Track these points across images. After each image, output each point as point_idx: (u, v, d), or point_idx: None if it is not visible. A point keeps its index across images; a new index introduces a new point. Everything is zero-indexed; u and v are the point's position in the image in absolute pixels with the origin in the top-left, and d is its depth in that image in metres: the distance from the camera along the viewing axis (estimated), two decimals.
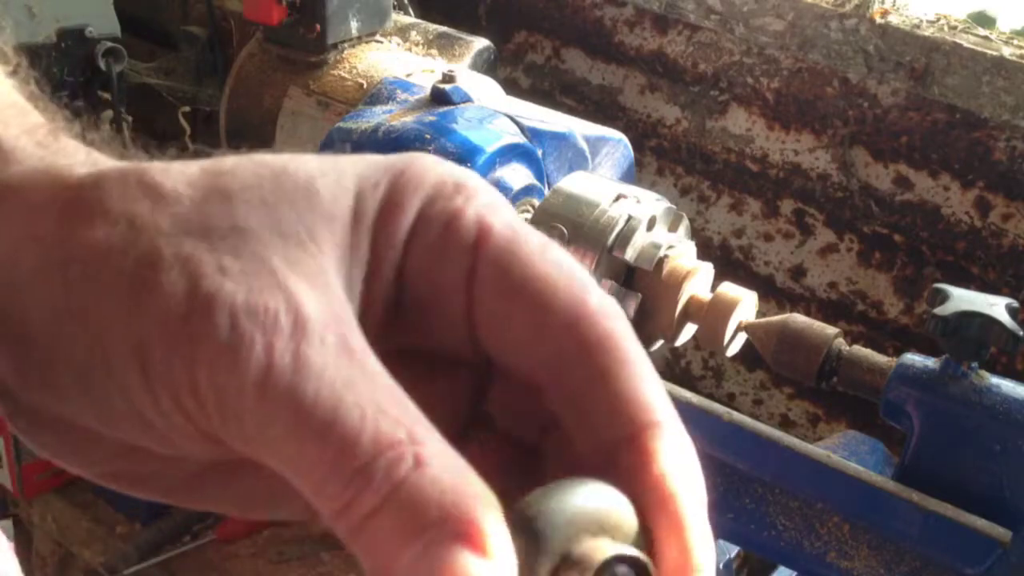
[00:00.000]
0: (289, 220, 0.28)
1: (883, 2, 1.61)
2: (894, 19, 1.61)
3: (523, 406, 0.31)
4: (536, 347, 0.29)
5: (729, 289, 0.98)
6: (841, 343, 0.93)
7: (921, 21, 1.60)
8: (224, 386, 0.26)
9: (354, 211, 0.29)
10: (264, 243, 0.27)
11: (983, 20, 1.65)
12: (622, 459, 0.27)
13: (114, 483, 0.31)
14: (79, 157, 0.30)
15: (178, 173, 0.28)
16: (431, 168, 0.30)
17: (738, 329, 0.97)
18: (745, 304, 0.97)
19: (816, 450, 0.88)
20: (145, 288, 0.27)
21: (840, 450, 1.02)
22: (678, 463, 0.27)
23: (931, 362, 0.88)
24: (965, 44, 1.53)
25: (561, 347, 0.28)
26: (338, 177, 0.29)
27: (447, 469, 0.25)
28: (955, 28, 1.59)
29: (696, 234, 1.50)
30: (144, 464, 0.30)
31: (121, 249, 0.27)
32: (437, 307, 0.30)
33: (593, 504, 0.26)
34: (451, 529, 0.24)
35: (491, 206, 0.30)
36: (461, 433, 0.32)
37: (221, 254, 0.27)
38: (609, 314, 0.29)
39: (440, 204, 0.29)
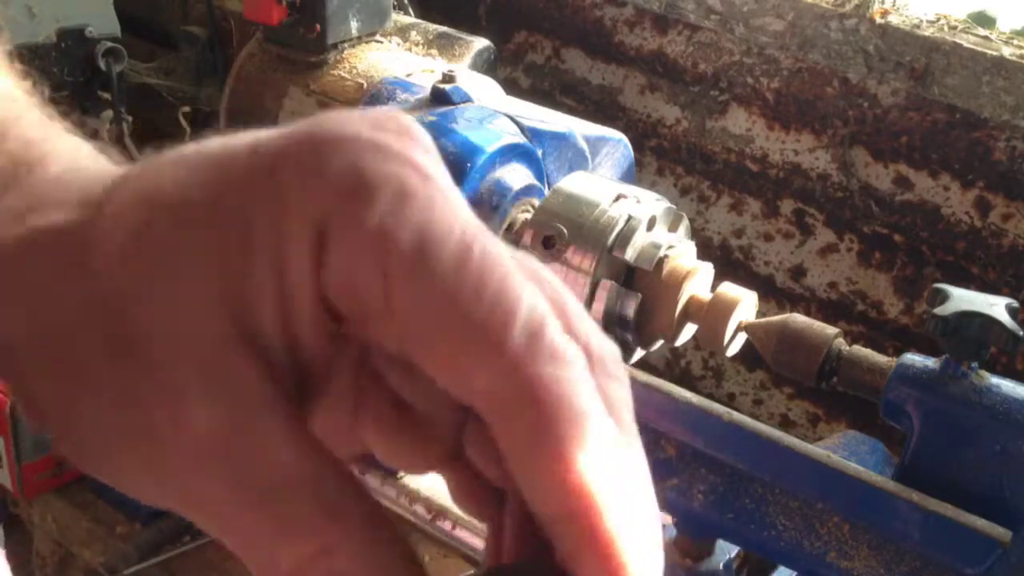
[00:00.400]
0: (184, 287, 0.26)
1: (883, 2, 1.61)
2: (894, 19, 1.61)
3: (492, 450, 0.29)
4: (464, 381, 0.25)
5: (729, 289, 0.98)
6: (841, 343, 0.93)
7: (921, 21, 1.60)
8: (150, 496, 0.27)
9: (242, 258, 0.26)
10: (149, 330, 0.26)
11: (983, 20, 1.65)
12: (563, 537, 0.24)
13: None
14: (24, 202, 0.29)
15: (109, 248, 0.26)
16: (316, 174, 0.25)
17: (738, 329, 0.97)
18: (745, 304, 0.97)
19: (816, 450, 0.88)
20: (65, 394, 0.27)
21: (840, 450, 1.02)
22: (624, 545, 0.24)
23: (931, 362, 0.88)
24: (965, 44, 1.53)
25: (488, 388, 0.25)
26: (213, 215, 0.26)
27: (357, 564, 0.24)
28: (955, 28, 1.59)
29: (696, 234, 1.50)
30: None
31: (42, 345, 0.27)
32: (373, 327, 0.27)
33: None
34: None
35: (395, 206, 0.25)
36: (448, 466, 0.30)
37: (114, 360, 0.26)
38: (535, 355, 0.24)
39: (337, 226, 0.25)
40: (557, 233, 0.98)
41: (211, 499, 0.25)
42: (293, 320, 0.26)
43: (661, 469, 0.89)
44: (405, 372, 0.30)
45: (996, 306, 0.85)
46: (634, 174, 1.36)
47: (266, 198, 0.25)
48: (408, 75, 1.39)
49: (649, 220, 0.99)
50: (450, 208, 0.25)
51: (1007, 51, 1.52)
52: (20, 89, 0.34)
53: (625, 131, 1.39)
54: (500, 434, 0.25)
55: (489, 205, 1.14)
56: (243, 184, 0.26)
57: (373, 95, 1.34)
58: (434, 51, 1.55)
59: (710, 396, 1.11)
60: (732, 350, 0.99)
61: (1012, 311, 0.85)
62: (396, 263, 0.25)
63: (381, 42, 1.55)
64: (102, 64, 1.68)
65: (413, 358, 0.26)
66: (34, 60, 1.59)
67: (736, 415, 0.90)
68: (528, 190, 1.18)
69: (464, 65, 1.52)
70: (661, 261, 0.98)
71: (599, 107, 1.94)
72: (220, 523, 0.25)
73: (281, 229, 0.25)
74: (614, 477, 0.24)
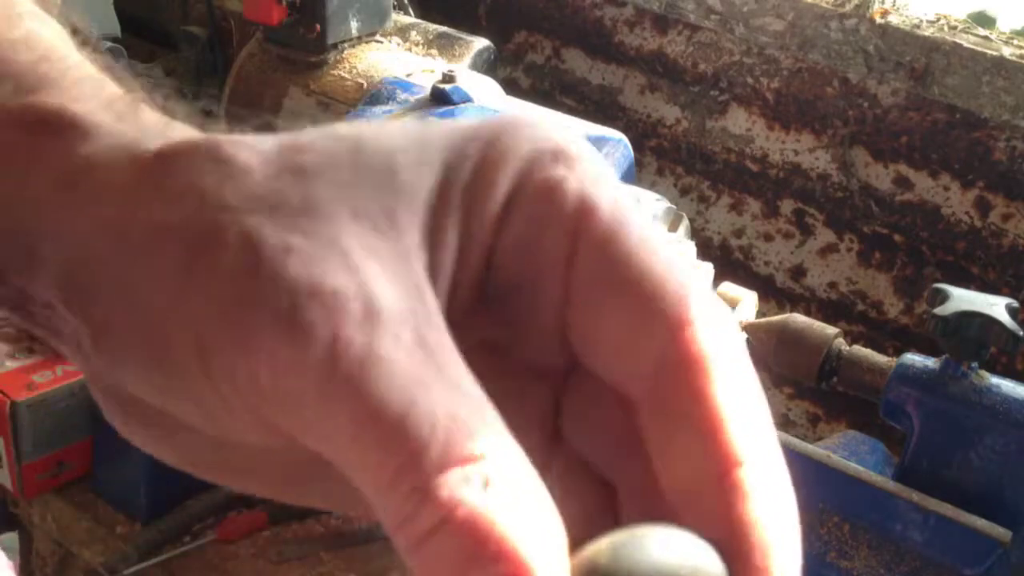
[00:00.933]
0: (366, 201, 0.25)
1: (883, 2, 1.61)
2: (894, 19, 1.61)
3: (600, 424, 0.28)
4: (632, 352, 0.25)
5: (729, 289, 0.98)
6: (841, 343, 0.93)
7: (921, 21, 1.60)
8: (284, 377, 0.23)
9: (439, 189, 0.26)
10: (337, 223, 0.24)
11: (983, 20, 1.65)
12: (708, 499, 0.24)
13: (212, 476, 0.29)
14: (157, 130, 0.28)
15: (252, 147, 0.26)
16: (526, 134, 0.26)
17: (738, 329, 0.97)
18: (745, 304, 0.97)
19: (816, 450, 0.88)
20: (202, 267, 0.24)
21: (840, 450, 1.02)
22: (771, 510, 0.24)
23: (931, 362, 0.88)
24: (965, 44, 1.53)
25: (659, 356, 0.25)
26: (421, 151, 0.26)
27: (519, 497, 0.22)
28: (955, 28, 1.59)
29: (696, 234, 1.50)
30: (238, 458, 0.28)
31: (182, 226, 0.25)
32: (529, 294, 0.27)
33: (676, 557, 0.22)
34: (505, 571, 0.21)
35: (596, 178, 0.26)
36: (546, 450, 0.29)
37: (288, 232, 0.24)
38: (714, 322, 0.25)
39: (537, 175, 0.26)
40: None
41: (387, 370, 0.23)
42: (462, 264, 0.26)
43: None
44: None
45: (996, 306, 0.85)
46: (634, 174, 1.36)
47: (465, 154, 0.26)
48: (408, 75, 1.39)
49: None
50: (628, 196, 0.27)
51: (1007, 51, 1.52)
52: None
53: (625, 131, 1.39)
54: (667, 388, 0.25)
55: None
56: (449, 141, 0.26)
57: (373, 95, 1.34)
58: (434, 51, 1.55)
59: None
60: None
61: (1012, 311, 0.85)
62: (591, 225, 0.25)
63: (381, 42, 1.55)
64: None
65: (576, 319, 0.26)
66: None
67: None
68: None
69: (464, 65, 1.52)
70: None
71: (599, 107, 1.95)
72: (379, 401, 0.23)
73: (479, 182, 0.26)
74: (766, 441, 0.25)
